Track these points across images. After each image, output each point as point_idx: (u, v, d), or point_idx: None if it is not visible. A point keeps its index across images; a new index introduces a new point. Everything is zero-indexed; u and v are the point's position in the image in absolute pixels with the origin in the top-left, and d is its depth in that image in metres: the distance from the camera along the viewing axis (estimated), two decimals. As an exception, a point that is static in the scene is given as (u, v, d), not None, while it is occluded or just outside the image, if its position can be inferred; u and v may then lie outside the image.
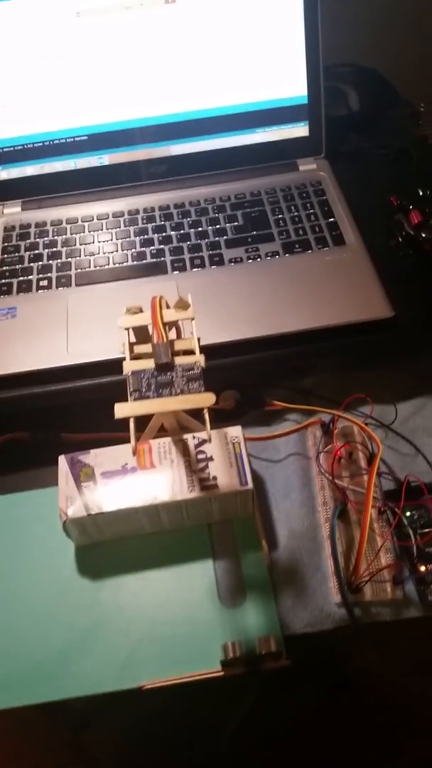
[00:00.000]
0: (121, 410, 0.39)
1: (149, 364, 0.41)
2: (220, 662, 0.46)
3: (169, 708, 0.54)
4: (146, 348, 0.44)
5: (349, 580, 0.49)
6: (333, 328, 0.58)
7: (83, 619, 0.50)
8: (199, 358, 0.41)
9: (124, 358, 0.43)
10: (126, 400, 0.41)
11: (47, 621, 0.50)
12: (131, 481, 0.50)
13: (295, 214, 0.68)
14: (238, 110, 0.71)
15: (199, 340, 0.43)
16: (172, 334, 0.45)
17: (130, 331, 0.44)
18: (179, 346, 0.43)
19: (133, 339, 0.44)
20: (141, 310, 0.45)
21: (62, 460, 0.52)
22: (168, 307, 0.45)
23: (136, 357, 0.43)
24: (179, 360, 0.42)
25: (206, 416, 0.39)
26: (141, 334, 0.45)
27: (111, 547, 0.53)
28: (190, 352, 0.43)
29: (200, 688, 0.48)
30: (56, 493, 0.51)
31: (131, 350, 0.43)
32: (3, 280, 0.64)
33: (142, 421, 0.45)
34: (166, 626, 0.49)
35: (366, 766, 0.68)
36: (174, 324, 0.45)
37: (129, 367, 0.41)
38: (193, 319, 0.44)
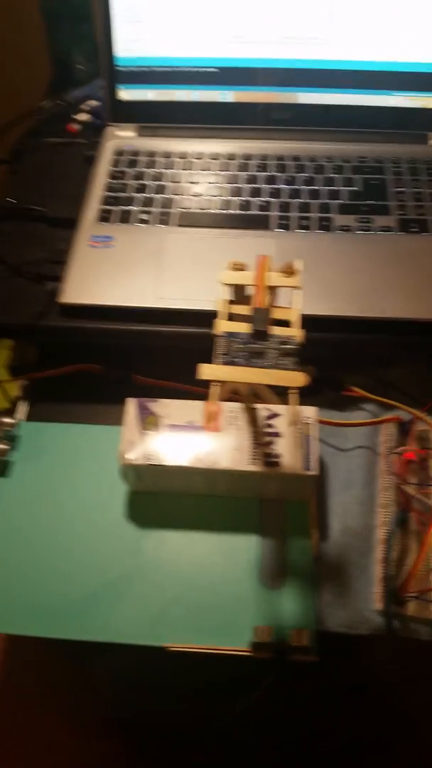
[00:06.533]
0: (206, 372, 0.36)
1: (244, 328, 0.38)
2: (251, 643, 0.45)
3: (181, 667, 0.54)
4: (240, 309, 0.41)
5: (396, 590, 0.47)
6: (436, 323, 0.53)
7: (121, 564, 0.50)
8: (299, 333, 0.38)
9: (215, 314, 0.41)
10: (209, 360, 0.39)
11: (86, 558, 0.50)
12: (195, 439, 0.49)
13: (418, 190, 0.63)
14: (377, 67, 0.64)
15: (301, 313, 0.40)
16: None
17: (229, 288, 0.41)
18: (277, 314, 0.40)
19: (229, 297, 0.41)
20: (245, 268, 0.42)
21: (130, 403, 0.51)
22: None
23: (228, 317, 0.40)
24: (276, 330, 0.39)
25: (292, 397, 0.37)
26: (238, 293, 0.42)
27: (161, 499, 0.52)
28: (286, 323, 0.40)
29: (222, 661, 0.47)
30: (118, 433, 0.50)
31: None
32: (105, 206, 0.62)
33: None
34: (202, 592, 0.48)
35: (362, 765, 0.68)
36: (275, 289, 0.42)
37: (222, 327, 0.39)
38: (299, 288, 0.41)
